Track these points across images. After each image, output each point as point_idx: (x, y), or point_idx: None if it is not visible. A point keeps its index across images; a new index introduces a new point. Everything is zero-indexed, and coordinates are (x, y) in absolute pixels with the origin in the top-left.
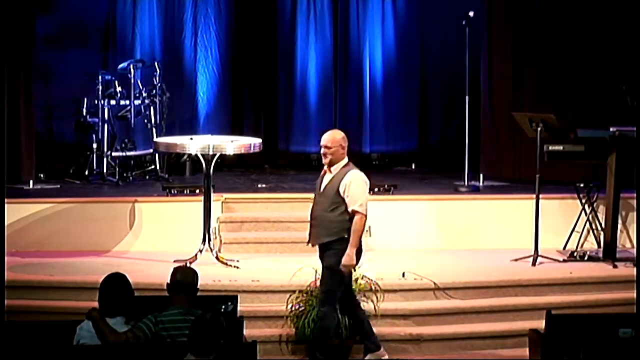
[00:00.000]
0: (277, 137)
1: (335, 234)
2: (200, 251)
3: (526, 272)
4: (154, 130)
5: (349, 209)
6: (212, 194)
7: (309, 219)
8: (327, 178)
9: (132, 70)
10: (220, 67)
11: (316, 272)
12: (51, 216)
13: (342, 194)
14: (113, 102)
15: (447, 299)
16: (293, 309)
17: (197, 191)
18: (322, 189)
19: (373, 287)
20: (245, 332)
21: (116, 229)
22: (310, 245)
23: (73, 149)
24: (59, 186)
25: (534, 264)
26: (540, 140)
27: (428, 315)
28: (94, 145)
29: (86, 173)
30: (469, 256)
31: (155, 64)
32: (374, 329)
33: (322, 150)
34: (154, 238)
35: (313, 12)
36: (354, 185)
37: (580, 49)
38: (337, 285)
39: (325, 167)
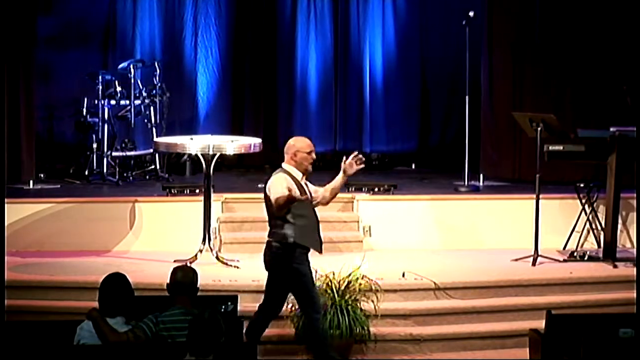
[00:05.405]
0: (277, 137)
1: None
2: (200, 251)
3: (526, 272)
4: (154, 130)
5: None
6: (212, 194)
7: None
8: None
9: (132, 70)
10: (220, 67)
11: (316, 272)
12: (51, 216)
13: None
14: (113, 102)
15: (447, 299)
16: (293, 309)
17: (197, 191)
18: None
19: (373, 287)
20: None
21: (116, 229)
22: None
23: (73, 148)
24: (59, 186)
25: (534, 264)
26: (540, 140)
27: (428, 315)
28: (94, 145)
29: (86, 173)
30: (469, 256)
31: (156, 63)
32: (375, 329)
33: (314, 155)
34: (154, 238)
35: (313, 12)
36: None
37: (581, 48)
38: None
39: (303, 175)
